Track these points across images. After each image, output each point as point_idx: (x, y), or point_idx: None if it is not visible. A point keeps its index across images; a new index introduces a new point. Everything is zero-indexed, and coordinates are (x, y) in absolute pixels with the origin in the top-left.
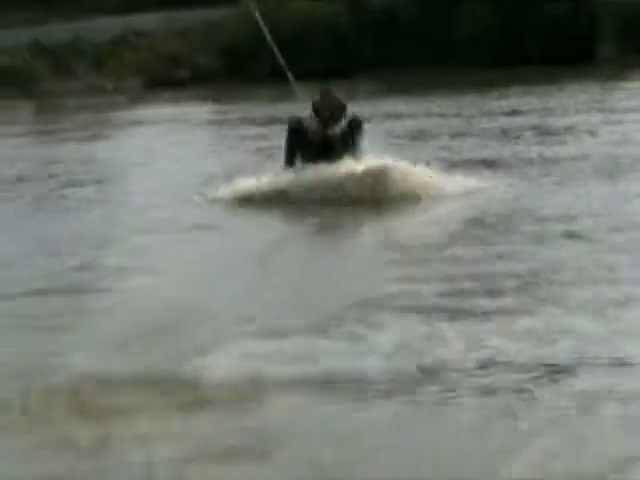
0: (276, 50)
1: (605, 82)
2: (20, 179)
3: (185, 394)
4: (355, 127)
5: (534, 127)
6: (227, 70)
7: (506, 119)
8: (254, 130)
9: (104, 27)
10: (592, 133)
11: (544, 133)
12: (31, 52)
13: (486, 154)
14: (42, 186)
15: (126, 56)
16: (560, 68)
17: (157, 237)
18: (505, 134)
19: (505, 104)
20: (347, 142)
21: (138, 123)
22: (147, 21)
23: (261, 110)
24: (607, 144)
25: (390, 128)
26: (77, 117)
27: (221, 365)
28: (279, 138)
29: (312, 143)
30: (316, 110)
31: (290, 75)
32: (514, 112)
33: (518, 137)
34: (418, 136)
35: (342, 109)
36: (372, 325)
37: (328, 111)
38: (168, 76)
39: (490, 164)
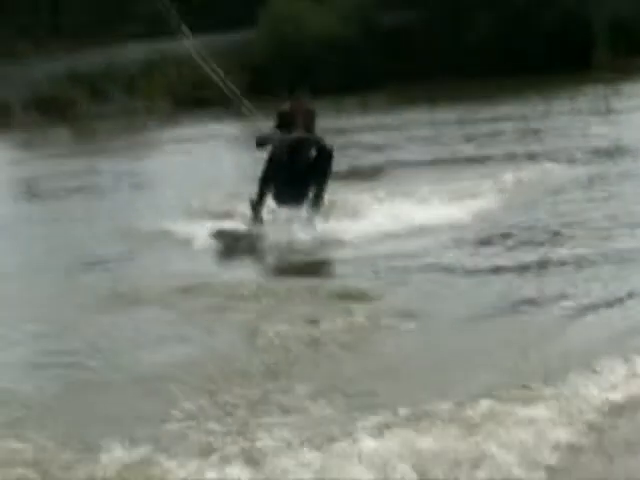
0: (220, 79)
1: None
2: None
3: None
4: (324, 157)
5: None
6: (250, 89)
7: (503, 124)
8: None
9: (135, 53)
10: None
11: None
12: (68, 80)
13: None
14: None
15: (156, 79)
16: (559, 76)
17: None
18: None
19: (502, 111)
20: (316, 170)
21: (167, 141)
22: (175, 46)
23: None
24: None
25: (409, 135)
26: (111, 138)
27: None
28: None
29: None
30: (285, 115)
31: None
32: (508, 117)
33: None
34: (432, 141)
35: (313, 113)
36: None
37: (300, 116)
38: (196, 96)
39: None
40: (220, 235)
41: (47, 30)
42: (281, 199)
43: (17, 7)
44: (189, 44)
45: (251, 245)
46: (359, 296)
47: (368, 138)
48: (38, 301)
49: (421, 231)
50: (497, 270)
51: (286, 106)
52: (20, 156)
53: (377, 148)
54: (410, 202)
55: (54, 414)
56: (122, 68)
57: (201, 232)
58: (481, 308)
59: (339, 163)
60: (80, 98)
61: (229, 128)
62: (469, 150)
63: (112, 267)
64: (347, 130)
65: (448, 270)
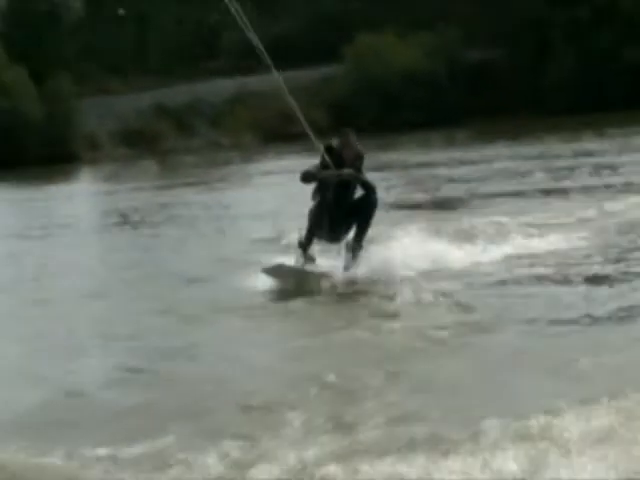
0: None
1: None
2: (146, 223)
3: None
4: (370, 199)
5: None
6: (335, 123)
7: (583, 159)
8: None
9: (220, 88)
10: None
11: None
12: (155, 115)
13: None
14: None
15: (241, 114)
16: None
17: None
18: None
19: (582, 146)
20: (360, 211)
21: (252, 175)
22: (260, 81)
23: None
24: None
25: (490, 169)
26: (197, 171)
27: None
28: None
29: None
30: (333, 152)
31: (310, 130)
32: (588, 152)
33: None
34: (513, 174)
35: (362, 157)
36: None
37: (349, 153)
38: (281, 131)
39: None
40: (276, 269)
41: (135, 67)
42: (324, 236)
43: (105, 46)
44: (277, 77)
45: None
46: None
47: (452, 172)
48: (151, 314)
49: (504, 260)
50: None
51: (335, 143)
52: (109, 188)
53: (460, 181)
54: (493, 232)
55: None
56: (208, 103)
57: (279, 261)
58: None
59: (427, 192)
60: (167, 132)
61: (312, 162)
62: (548, 183)
63: (206, 286)
64: (432, 164)
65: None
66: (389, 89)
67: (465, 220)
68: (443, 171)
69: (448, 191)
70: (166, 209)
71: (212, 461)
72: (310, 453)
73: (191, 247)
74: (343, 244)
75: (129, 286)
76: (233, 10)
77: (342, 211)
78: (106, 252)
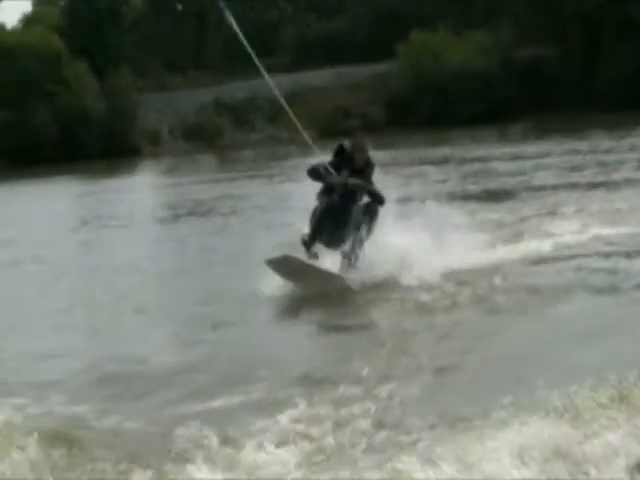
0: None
1: None
2: (201, 213)
3: None
4: (374, 206)
5: None
6: (390, 118)
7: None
8: (409, 171)
9: (279, 83)
10: None
11: None
12: (214, 110)
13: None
14: (216, 217)
15: (299, 109)
16: None
17: None
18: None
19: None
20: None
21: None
22: (318, 77)
23: (417, 154)
24: None
25: (541, 163)
26: (254, 165)
27: None
28: (427, 179)
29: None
30: (344, 152)
31: (305, 134)
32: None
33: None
34: (563, 168)
35: (372, 165)
36: None
37: (359, 155)
38: (338, 126)
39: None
40: (281, 261)
41: (193, 63)
42: (323, 239)
43: (164, 42)
44: (268, 78)
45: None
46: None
47: (504, 166)
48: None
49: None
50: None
51: (347, 144)
52: (171, 181)
53: (511, 174)
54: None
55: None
56: (265, 98)
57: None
58: None
59: (481, 184)
60: (225, 127)
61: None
62: (596, 177)
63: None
64: (485, 158)
65: None
66: (443, 85)
67: (513, 210)
68: (495, 165)
69: (499, 184)
70: (228, 200)
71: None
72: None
73: (254, 235)
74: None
75: (198, 269)
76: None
77: (346, 217)
78: (176, 240)
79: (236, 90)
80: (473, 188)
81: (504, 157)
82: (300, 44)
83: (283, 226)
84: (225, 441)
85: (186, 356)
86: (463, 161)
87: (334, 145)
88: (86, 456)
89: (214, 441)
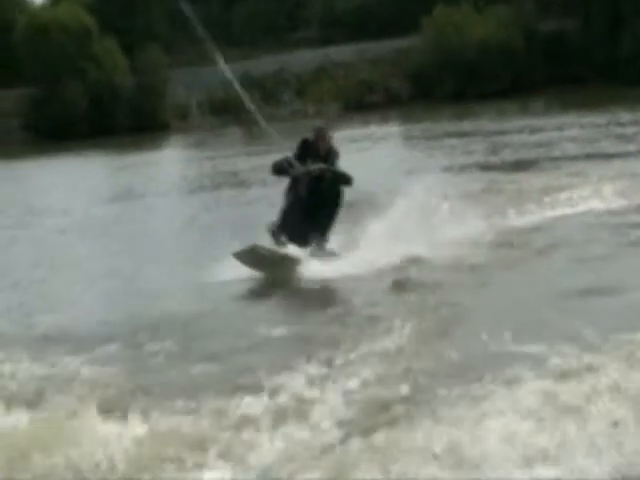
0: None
1: None
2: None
3: None
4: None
5: None
6: (414, 93)
7: None
8: (434, 144)
9: (305, 59)
10: None
11: None
12: (241, 84)
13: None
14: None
15: (325, 84)
16: None
17: None
18: None
19: None
20: (330, 202)
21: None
22: (343, 52)
23: (442, 127)
24: None
25: (562, 135)
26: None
27: None
28: (454, 150)
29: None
30: (308, 144)
31: (261, 119)
32: None
33: None
34: (582, 140)
35: (336, 153)
36: None
37: (322, 146)
38: (363, 100)
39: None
40: (249, 253)
41: (221, 39)
42: (287, 234)
43: (189, 18)
44: (222, 65)
45: None
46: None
47: (526, 138)
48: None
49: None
50: None
51: (310, 135)
52: (200, 154)
53: (534, 146)
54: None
55: None
56: (292, 73)
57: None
58: None
59: (504, 155)
60: (253, 101)
61: (393, 129)
62: (613, 148)
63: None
64: (507, 131)
65: None
66: (466, 60)
67: (533, 179)
68: (517, 137)
69: (520, 155)
70: (256, 172)
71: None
72: None
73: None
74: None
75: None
76: None
77: (314, 207)
78: (208, 209)
79: (263, 65)
80: (495, 159)
81: (525, 130)
82: (326, 20)
83: None
84: None
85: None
86: (487, 134)
87: (359, 118)
88: None
89: None
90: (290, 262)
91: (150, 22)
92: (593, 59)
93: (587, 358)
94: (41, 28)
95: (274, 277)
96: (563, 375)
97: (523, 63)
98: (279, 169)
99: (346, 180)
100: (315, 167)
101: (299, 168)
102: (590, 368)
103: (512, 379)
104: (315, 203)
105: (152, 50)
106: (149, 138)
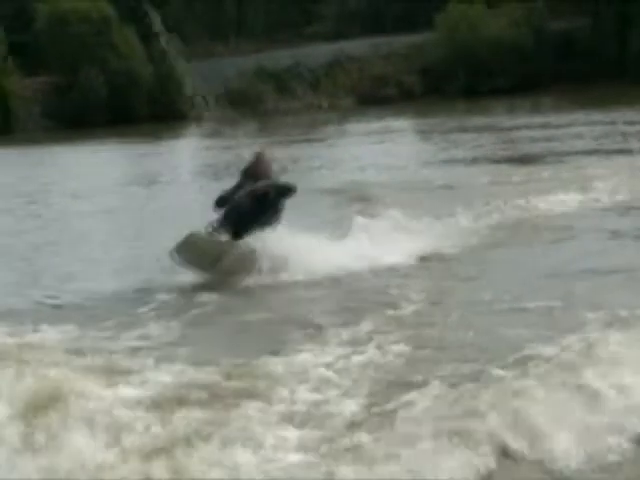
0: None
1: None
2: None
3: None
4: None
5: None
6: (426, 88)
7: None
8: (446, 138)
9: (320, 53)
10: None
11: None
12: (257, 76)
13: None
14: None
15: (339, 78)
16: None
17: None
18: None
19: None
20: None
21: (348, 134)
22: (357, 46)
23: (454, 122)
24: None
25: (563, 132)
26: (294, 131)
27: None
28: (465, 145)
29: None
30: (248, 171)
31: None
32: None
33: None
34: (585, 136)
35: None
36: None
37: (262, 167)
38: (376, 95)
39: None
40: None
41: (236, 32)
42: (225, 230)
43: (207, 10)
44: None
45: None
46: None
47: (534, 133)
48: None
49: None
50: None
51: (250, 162)
52: (213, 144)
53: (545, 141)
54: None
55: None
56: (307, 67)
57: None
58: None
59: (515, 150)
60: (268, 94)
61: (406, 123)
62: (617, 145)
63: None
64: (516, 127)
65: None
66: (478, 57)
67: (539, 172)
68: (526, 133)
69: (527, 149)
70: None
71: None
72: None
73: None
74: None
75: None
76: None
77: (250, 219)
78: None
79: (278, 58)
80: (504, 154)
81: (534, 126)
82: (340, 15)
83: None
84: None
85: None
86: (498, 129)
87: (372, 112)
88: None
89: None
90: (229, 249)
91: (167, 13)
92: (602, 58)
93: None
94: (62, 17)
95: (215, 277)
96: None
97: (533, 60)
98: (222, 201)
99: (288, 190)
100: (255, 186)
101: (242, 192)
102: None
103: None
104: (253, 219)
105: (170, 40)
106: (167, 127)
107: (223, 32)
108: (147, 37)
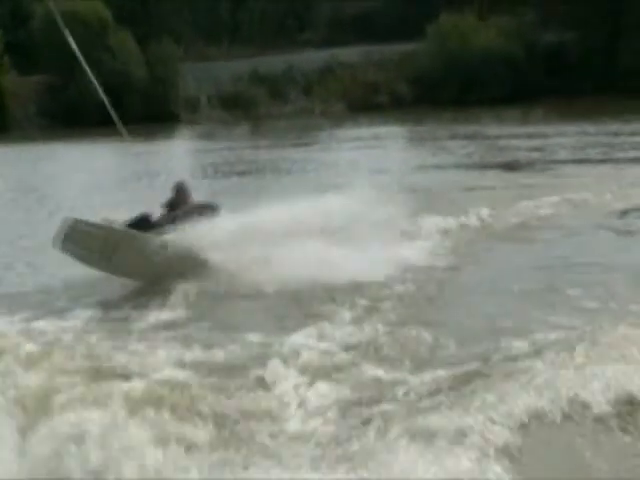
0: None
1: None
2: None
3: None
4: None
5: None
6: (417, 96)
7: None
8: (436, 145)
9: (313, 59)
10: None
11: None
12: (250, 81)
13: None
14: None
15: (331, 84)
16: None
17: None
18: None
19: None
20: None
21: (338, 140)
22: (350, 53)
23: (444, 130)
24: None
25: (556, 142)
26: (287, 135)
27: None
28: (452, 153)
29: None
30: (170, 204)
31: (115, 116)
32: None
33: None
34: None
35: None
36: None
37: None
38: (368, 101)
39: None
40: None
41: (230, 36)
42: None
43: (202, 15)
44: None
45: None
46: None
47: (522, 143)
48: None
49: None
50: None
51: (171, 197)
52: (206, 146)
53: (532, 150)
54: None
55: None
56: (300, 72)
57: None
58: None
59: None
60: (261, 98)
61: (396, 130)
62: (601, 155)
63: None
64: (505, 136)
65: None
66: (469, 67)
67: (524, 179)
68: (514, 142)
69: (515, 158)
70: (264, 163)
71: None
72: None
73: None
74: None
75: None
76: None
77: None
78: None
79: (272, 63)
80: (492, 161)
81: (522, 136)
82: (334, 22)
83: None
84: None
85: None
86: (486, 138)
87: (363, 119)
88: None
89: None
90: (119, 237)
91: (163, 16)
92: (592, 71)
93: None
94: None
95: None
96: None
97: (524, 73)
98: (146, 227)
99: (211, 210)
100: (178, 212)
101: (163, 219)
102: None
103: None
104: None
105: (166, 43)
106: (160, 128)
107: (218, 36)
108: (143, 40)
